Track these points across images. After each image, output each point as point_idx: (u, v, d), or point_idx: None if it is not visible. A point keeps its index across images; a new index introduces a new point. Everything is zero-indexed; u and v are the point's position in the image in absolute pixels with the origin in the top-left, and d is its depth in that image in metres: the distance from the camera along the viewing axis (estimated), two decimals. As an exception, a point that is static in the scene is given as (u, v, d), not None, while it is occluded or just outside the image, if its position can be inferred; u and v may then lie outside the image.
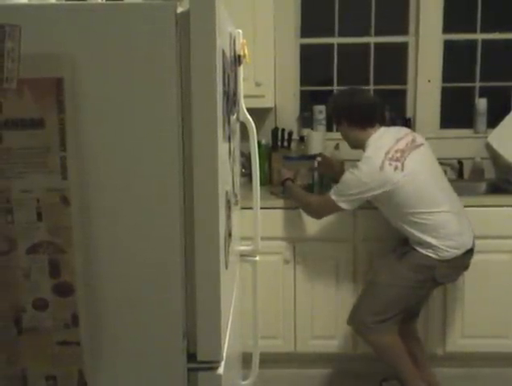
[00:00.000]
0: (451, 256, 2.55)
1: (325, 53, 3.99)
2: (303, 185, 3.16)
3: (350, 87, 3.01)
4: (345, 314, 3.11)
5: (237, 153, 2.00)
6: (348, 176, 2.64)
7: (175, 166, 1.19)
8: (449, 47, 3.94)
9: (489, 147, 3.76)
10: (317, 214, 2.86)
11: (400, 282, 2.61)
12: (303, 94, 3.98)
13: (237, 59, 1.74)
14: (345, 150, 3.72)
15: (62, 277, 1.19)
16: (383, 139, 2.71)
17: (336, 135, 3.87)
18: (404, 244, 2.72)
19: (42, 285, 1.19)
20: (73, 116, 1.14)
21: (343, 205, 2.67)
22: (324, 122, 3.87)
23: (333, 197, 2.67)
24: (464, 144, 3.87)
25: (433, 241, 2.56)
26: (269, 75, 3.42)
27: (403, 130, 2.87)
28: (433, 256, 2.57)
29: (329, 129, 3.94)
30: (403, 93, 4.03)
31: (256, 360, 1.96)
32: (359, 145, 2.77)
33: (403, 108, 4.01)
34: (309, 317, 3.17)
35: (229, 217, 1.45)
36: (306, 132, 3.80)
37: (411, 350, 2.70)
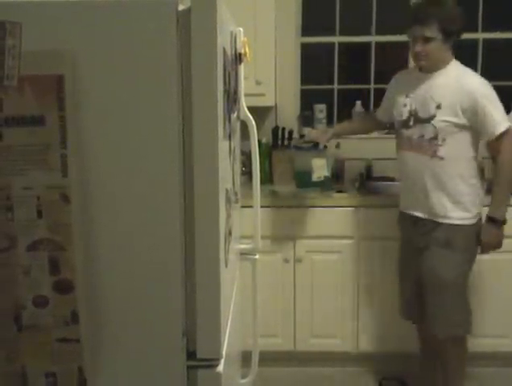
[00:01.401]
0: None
1: (326, 52, 3.99)
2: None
3: None
4: (345, 312, 3.12)
5: (238, 152, 2.00)
6: (480, 87, 2.45)
7: (175, 164, 1.19)
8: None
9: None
10: None
11: (463, 267, 2.54)
12: (303, 93, 3.98)
13: (238, 58, 1.74)
14: (346, 150, 3.73)
15: (62, 275, 1.19)
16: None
17: (337, 134, 3.87)
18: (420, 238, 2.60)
19: (42, 282, 1.19)
20: (74, 113, 1.14)
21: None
22: (324, 121, 3.87)
23: (507, 124, 2.44)
24: (464, 143, 3.85)
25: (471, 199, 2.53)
26: (269, 74, 3.42)
27: None
28: (470, 216, 2.52)
29: (330, 127, 3.94)
30: (404, 92, 4.01)
31: (255, 358, 1.96)
32: (438, 66, 2.53)
33: (404, 107, 4.01)
34: (309, 315, 3.17)
35: (229, 215, 1.45)
36: (306, 131, 3.80)
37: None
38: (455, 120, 2.45)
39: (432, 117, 2.49)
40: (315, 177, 2.95)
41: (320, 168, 2.91)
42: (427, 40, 2.46)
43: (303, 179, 3.08)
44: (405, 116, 2.61)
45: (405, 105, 2.61)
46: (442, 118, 2.46)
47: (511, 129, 2.44)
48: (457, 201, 2.51)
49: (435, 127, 2.48)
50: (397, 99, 2.68)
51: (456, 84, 2.47)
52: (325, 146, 2.99)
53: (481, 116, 2.42)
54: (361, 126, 3.20)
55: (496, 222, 2.47)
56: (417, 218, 2.61)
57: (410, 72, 2.77)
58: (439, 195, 2.52)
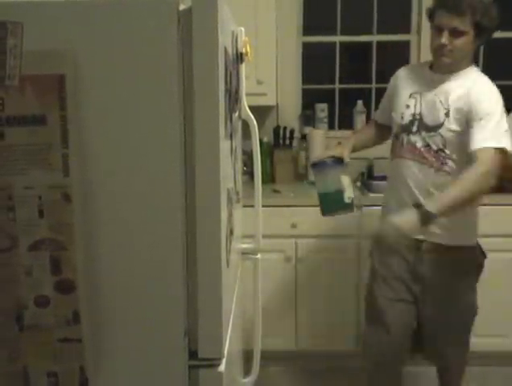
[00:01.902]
0: None
1: (327, 51, 3.99)
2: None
3: None
4: (347, 312, 3.11)
5: (239, 151, 2.00)
6: (487, 100, 2.13)
7: (176, 164, 1.19)
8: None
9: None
10: (488, 181, 2.06)
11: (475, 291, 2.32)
12: (304, 92, 3.98)
13: (240, 57, 1.74)
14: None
15: (63, 274, 1.19)
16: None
17: (338, 133, 3.88)
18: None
19: (43, 282, 1.19)
20: (75, 113, 1.14)
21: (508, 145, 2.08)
22: (325, 120, 3.87)
23: (495, 144, 2.06)
24: (466, 143, 3.86)
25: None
26: (271, 74, 3.42)
27: None
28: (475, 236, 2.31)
29: (331, 127, 3.94)
30: (405, 92, 4.01)
31: (257, 358, 1.96)
32: (459, 66, 2.22)
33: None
34: (310, 315, 3.17)
35: (230, 215, 1.45)
36: (308, 130, 3.80)
37: None
38: (462, 130, 2.14)
39: (440, 126, 2.18)
40: (346, 197, 2.41)
41: (348, 187, 2.42)
42: (456, 33, 2.12)
43: (334, 201, 2.44)
44: (407, 119, 2.28)
45: (408, 106, 2.29)
46: (450, 127, 2.16)
47: (506, 151, 2.08)
48: (463, 220, 2.22)
49: (442, 137, 2.17)
50: (398, 97, 2.35)
51: (469, 92, 2.14)
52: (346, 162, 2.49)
53: (475, 126, 2.09)
54: (375, 134, 2.67)
55: (428, 216, 2.00)
56: (415, 240, 2.22)
57: (418, 69, 2.41)
58: None
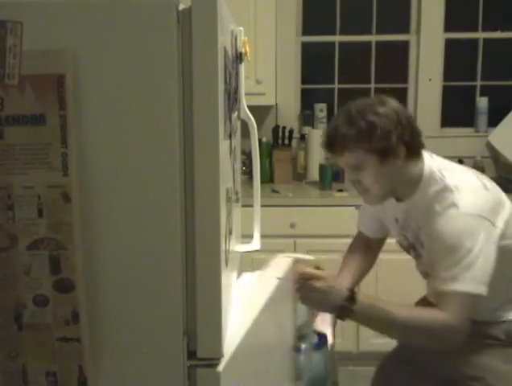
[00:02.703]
0: None
1: (326, 51, 3.99)
2: None
3: (352, 103, 1.89)
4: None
5: (238, 151, 2.00)
6: (450, 230, 1.70)
7: (175, 164, 1.19)
8: (450, 46, 3.95)
9: (489, 146, 3.77)
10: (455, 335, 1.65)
11: None
12: (304, 92, 3.98)
13: (239, 57, 1.74)
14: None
15: (63, 274, 1.19)
16: (445, 163, 1.92)
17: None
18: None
19: (42, 281, 1.19)
20: (75, 112, 1.14)
21: (481, 289, 1.65)
22: (324, 120, 3.89)
23: (460, 287, 1.66)
24: (464, 143, 3.88)
25: None
26: (270, 73, 3.43)
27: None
28: None
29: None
30: (404, 92, 4.04)
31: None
32: (411, 185, 1.85)
33: (404, 106, 4.02)
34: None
35: (229, 214, 1.45)
36: (307, 130, 3.80)
37: None
38: None
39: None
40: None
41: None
42: (353, 168, 1.82)
43: None
44: (404, 244, 2.04)
45: (399, 234, 2.04)
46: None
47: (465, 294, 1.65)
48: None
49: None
50: (386, 224, 2.12)
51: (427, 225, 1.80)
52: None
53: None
54: (367, 258, 2.31)
55: (345, 310, 1.74)
56: None
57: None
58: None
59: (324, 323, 2.07)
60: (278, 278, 1.69)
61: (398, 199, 1.91)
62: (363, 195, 1.92)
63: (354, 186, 1.91)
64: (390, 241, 3.05)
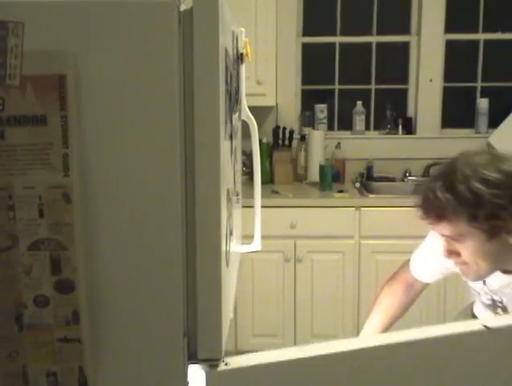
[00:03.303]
0: None
1: (327, 52, 3.99)
2: None
3: (470, 152, 1.56)
4: (346, 311, 3.12)
5: (239, 152, 2.00)
6: None
7: (176, 164, 1.19)
8: (451, 47, 3.95)
9: (490, 147, 3.77)
10: None
11: None
12: (304, 93, 3.98)
13: (240, 58, 1.74)
14: (346, 149, 3.73)
15: (63, 274, 1.19)
16: None
17: (338, 134, 3.89)
18: None
19: (43, 281, 1.19)
20: (76, 113, 1.14)
21: None
22: (325, 121, 3.89)
23: None
24: (465, 144, 3.88)
25: None
26: (270, 74, 3.43)
27: None
28: None
29: (330, 128, 3.95)
30: (405, 93, 4.04)
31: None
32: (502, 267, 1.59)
33: (405, 107, 4.03)
34: (309, 315, 3.17)
35: (230, 215, 1.45)
36: (307, 131, 3.81)
37: None
38: None
39: None
40: None
41: None
42: (452, 239, 1.54)
43: None
44: (487, 301, 1.78)
45: (485, 293, 1.76)
46: None
47: None
48: None
49: None
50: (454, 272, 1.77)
51: None
52: None
53: None
54: (402, 302, 1.96)
55: None
56: None
57: None
58: None
59: None
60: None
61: (507, 272, 1.61)
62: (460, 267, 1.61)
63: (448, 257, 1.59)
64: (394, 242, 3.06)
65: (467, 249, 1.50)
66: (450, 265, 1.70)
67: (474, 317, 1.84)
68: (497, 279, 1.64)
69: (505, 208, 1.42)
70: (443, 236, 1.54)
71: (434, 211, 1.49)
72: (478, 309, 1.85)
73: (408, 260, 1.96)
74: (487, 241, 1.47)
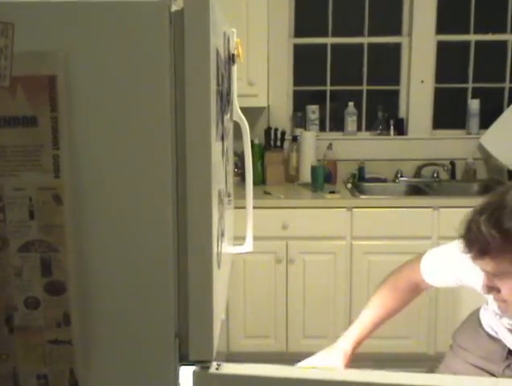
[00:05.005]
0: None
1: (319, 53, 4.00)
2: None
3: None
4: (338, 313, 3.12)
5: (231, 153, 1.99)
6: None
7: (167, 166, 1.18)
8: (442, 48, 3.96)
9: (481, 148, 3.79)
10: None
11: None
12: (296, 94, 3.99)
13: (231, 59, 1.74)
14: (338, 150, 3.74)
15: (54, 276, 1.19)
16: None
17: (329, 135, 3.89)
18: None
19: (34, 283, 1.19)
20: (66, 114, 1.14)
21: None
22: (316, 122, 3.89)
23: None
24: (456, 145, 3.89)
25: None
26: (262, 75, 3.43)
27: None
28: None
29: (322, 129, 3.95)
30: (396, 94, 4.05)
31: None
32: None
33: (396, 108, 4.04)
34: (301, 316, 3.18)
35: (221, 216, 1.45)
36: (299, 132, 3.81)
37: None
38: None
39: None
40: None
41: None
42: (493, 275, 1.47)
43: None
44: (509, 326, 1.72)
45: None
46: None
47: None
48: None
49: None
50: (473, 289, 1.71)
51: None
52: None
53: None
54: (403, 301, 1.94)
55: None
56: None
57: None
58: None
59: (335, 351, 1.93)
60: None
61: None
62: (499, 303, 1.56)
63: (487, 292, 1.53)
64: (385, 243, 3.06)
65: (509, 288, 1.44)
66: (472, 284, 1.67)
67: (480, 323, 1.86)
68: None
69: None
70: (484, 271, 1.48)
71: (477, 245, 1.42)
72: (485, 315, 1.83)
73: (418, 257, 1.89)
74: None
